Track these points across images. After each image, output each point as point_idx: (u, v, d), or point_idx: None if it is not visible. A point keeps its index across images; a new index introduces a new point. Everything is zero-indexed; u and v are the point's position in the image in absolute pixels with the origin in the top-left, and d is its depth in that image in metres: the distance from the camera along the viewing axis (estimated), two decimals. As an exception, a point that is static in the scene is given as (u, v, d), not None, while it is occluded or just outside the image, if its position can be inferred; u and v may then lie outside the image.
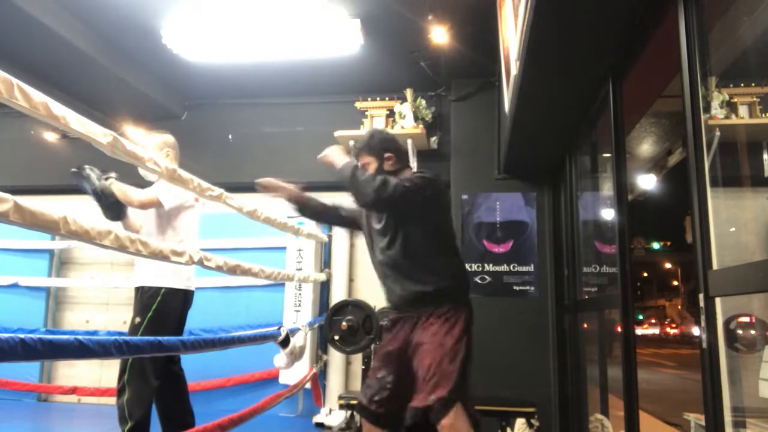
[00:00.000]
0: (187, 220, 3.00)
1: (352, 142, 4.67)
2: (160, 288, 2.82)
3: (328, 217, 2.72)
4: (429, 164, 4.71)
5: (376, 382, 2.22)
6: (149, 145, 3.04)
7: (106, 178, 2.79)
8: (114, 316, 5.19)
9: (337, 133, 4.65)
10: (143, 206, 2.83)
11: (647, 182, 6.02)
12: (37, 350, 1.30)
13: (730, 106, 3.20)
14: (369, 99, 4.84)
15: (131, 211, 2.90)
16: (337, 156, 2.27)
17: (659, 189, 6.79)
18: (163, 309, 2.80)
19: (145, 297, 2.82)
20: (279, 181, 2.58)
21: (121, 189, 2.78)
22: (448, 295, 2.18)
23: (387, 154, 2.34)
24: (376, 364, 2.30)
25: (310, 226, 4.39)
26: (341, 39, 3.94)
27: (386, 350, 2.27)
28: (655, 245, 25.02)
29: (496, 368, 3.88)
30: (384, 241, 2.28)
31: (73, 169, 2.71)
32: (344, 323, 3.52)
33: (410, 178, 2.17)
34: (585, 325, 3.61)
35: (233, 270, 2.63)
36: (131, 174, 3.28)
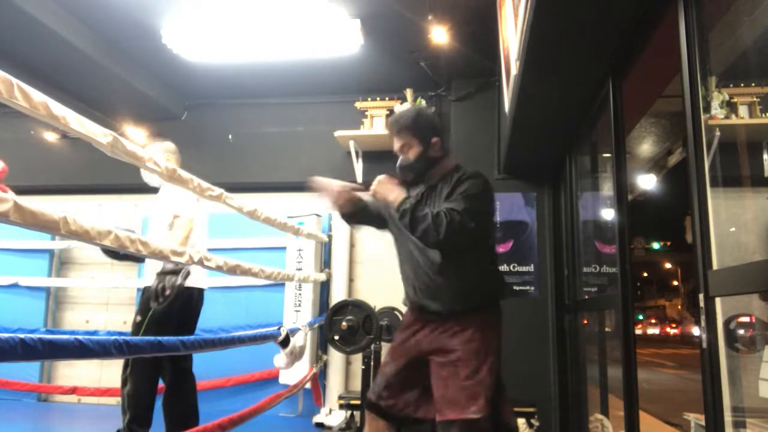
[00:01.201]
0: (197, 221, 3.03)
1: (351, 142, 4.68)
2: None
3: (380, 224, 2.40)
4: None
5: (383, 377, 2.16)
6: (151, 154, 3.04)
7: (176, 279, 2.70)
8: (114, 316, 5.18)
9: (337, 133, 4.65)
10: (188, 239, 2.84)
11: (647, 182, 6.02)
12: (37, 350, 1.30)
13: (730, 106, 3.20)
14: (369, 99, 4.84)
15: None
16: (389, 190, 2.07)
17: (659, 189, 6.79)
18: (165, 309, 2.79)
19: (147, 296, 2.83)
20: (332, 182, 2.32)
21: (160, 249, 2.73)
22: (477, 306, 2.06)
23: (434, 139, 2.13)
24: (386, 360, 2.21)
25: (310, 225, 4.39)
26: (341, 39, 3.94)
27: (400, 346, 2.17)
28: (655, 245, 25.01)
29: (496, 368, 3.88)
30: (418, 250, 2.12)
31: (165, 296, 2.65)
32: (344, 323, 3.52)
33: (469, 207, 1.95)
34: (585, 321, 3.61)
35: (233, 270, 2.63)
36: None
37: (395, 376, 2.13)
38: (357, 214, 2.35)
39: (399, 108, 4.63)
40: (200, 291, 3.06)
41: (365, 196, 2.28)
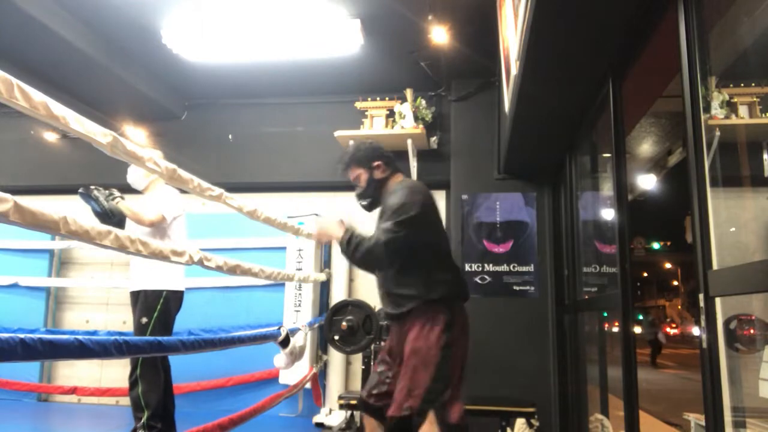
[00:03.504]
0: (178, 227, 3.21)
1: (351, 142, 4.67)
2: (162, 290, 3.07)
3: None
4: (429, 164, 4.72)
5: (376, 377, 2.30)
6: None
7: (113, 198, 2.89)
8: (114, 316, 5.19)
9: (337, 133, 4.65)
10: (152, 225, 3.04)
11: (647, 182, 6.02)
12: (37, 350, 1.30)
13: (730, 106, 3.20)
14: (369, 99, 4.84)
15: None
16: (328, 231, 2.30)
17: (659, 189, 6.78)
18: (166, 309, 3.06)
19: (149, 299, 3.04)
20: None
21: (129, 208, 2.98)
22: (424, 304, 2.18)
23: (375, 163, 2.37)
24: (377, 360, 2.37)
25: (310, 225, 4.39)
26: (341, 39, 3.94)
27: (386, 347, 2.35)
28: (655, 245, 24.98)
29: (496, 368, 3.88)
30: None
31: (80, 191, 2.83)
32: (344, 323, 3.51)
33: (391, 226, 2.14)
34: (586, 325, 3.61)
35: (233, 270, 2.63)
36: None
37: (382, 375, 2.29)
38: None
39: (399, 108, 4.64)
40: (183, 293, 3.27)
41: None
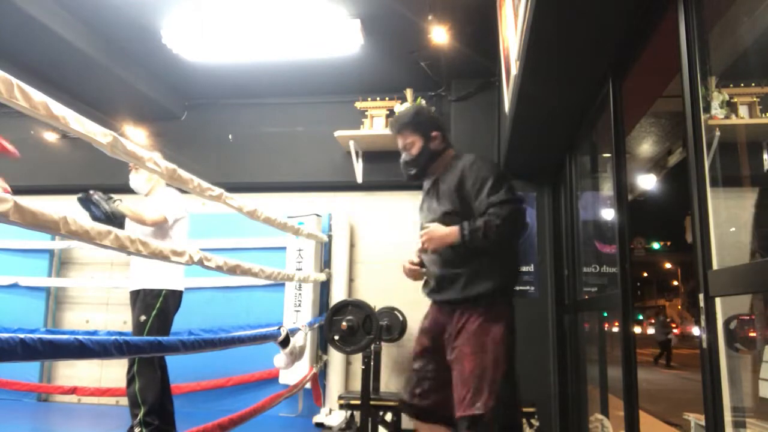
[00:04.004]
0: (180, 229, 3.24)
1: (351, 142, 4.68)
2: (162, 290, 3.10)
3: None
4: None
5: (415, 375, 2.15)
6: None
7: (113, 201, 2.95)
8: (114, 316, 5.19)
9: (337, 133, 4.65)
10: (155, 224, 3.08)
11: (647, 182, 6.02)
12: (37, 350, 1.30)
13: (730, 106, 3.20)
14: (369, 99, 4.84)
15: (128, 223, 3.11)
16: (442, 238, 2.06)
17: (659, 189, 6.78)
18: (165, 308, 3.09)
19: (148, 298, 3.08)
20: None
21: (130, 209, 3.01)
22: (489, 295, 2.04)
23: (434, 133, 2.23)
24: (413, 355, 2.21)
25: (310, 225, 4.39)
26: (341, 39, 3.94)
27: (422, 342, 2.18)
28: (655, 245, 24.99)
29: (496, 368, 3.88)
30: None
31: (80, 196, 2.85)
32: (344, 323, 3.51)
33: (504, 195, 1.99)
34: (586, 324, 3.61)
35: (233, 270, 2.63)
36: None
37: (422, 371, 2.14)
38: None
39: (399, 108, 4.64)
40: (182, 293, 3.31)
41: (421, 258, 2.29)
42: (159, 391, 3.03)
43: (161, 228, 3.13)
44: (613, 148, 2.42)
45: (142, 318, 3.05)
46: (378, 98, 4.83)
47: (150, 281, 3.11)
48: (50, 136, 5.41)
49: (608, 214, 3.20)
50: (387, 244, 4.77)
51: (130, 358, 3.04)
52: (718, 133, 2.55)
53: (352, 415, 3.83)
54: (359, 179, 4.82)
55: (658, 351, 13.62)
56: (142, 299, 3.09)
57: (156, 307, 3.06)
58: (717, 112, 3.11)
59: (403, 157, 2.27)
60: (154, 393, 3.00)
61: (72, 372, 5.17)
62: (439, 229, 2.06)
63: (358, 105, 4.84)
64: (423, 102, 4.62)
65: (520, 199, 2.04)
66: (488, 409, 1.89)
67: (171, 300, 3.14)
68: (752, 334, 2.46)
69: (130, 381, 3.03)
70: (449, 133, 2.32)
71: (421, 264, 2.27)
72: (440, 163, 2.24)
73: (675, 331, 19.52)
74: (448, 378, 2.06)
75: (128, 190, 3.30)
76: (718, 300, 1.49)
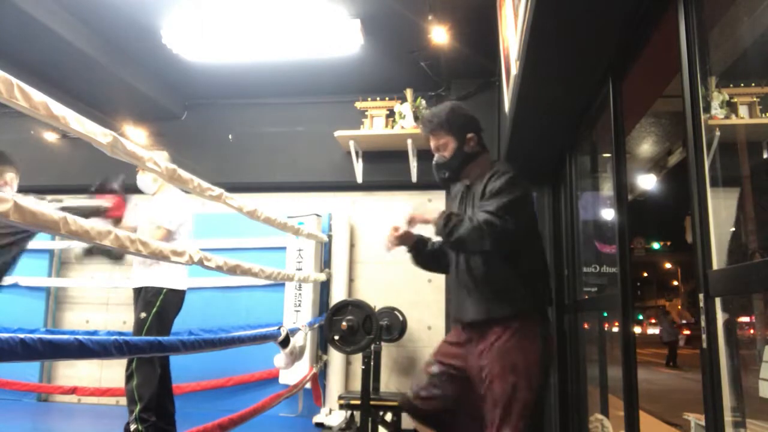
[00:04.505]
0: (184, 231, 3.27)
1: (351, 142, 4.68)
2: (162, 288, 3.13)
3: (440, 266, 2.29)
4: (429, 164, 4.70)
5: (426, 378, 2.09)
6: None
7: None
8: (114, 316, 5.19)
9: (337, 133, 4.65)
10: (165, 240, 3.08)
11: (647, 182, 6.02)
12: (37, 350, 1.30)
13: (730, 106, 3.20)
14: (369, 99, 4.84)
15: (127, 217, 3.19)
16: (428, 212, 2.01)
17: (659, 189, 6.78)
18: (165, 306, 3.13)
19: (148, 295, 3.11)
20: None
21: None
22: (516, 314, 1.95)
23: (469, 135, 2.10)
24: (431, 360, 2.14)
25: (310, 225, 4.39)
26: (341, 39, 3.94)
27: (445, 350, 2.12)
28: (655, 245, 25.00)
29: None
30: (460, 264, 2.09)
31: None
32: (344, 323, 3.51)
33: (497, 210, 1.87)
34: (585, 325, 3.61)
35: (233, 270, 2.63)
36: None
37: (435, 378, 2.08)
38: (424, 255, 2.26)
39: (399, 108, 4.64)
40: (185, 293, 3.33)
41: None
42: (156, 389, 3.05)
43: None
44: (613, 148, 2.42)
45: (143, 315, 3.08)
46: (378, 98, 4.83)
47: (151, 279, 3.14)
48: (50, 136, 5.41)
49: (608, 214, 3.20)
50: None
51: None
52: (718, 133, 2.55)
53: (352, 415, 3.83)
54: (359, 179, 4.82)
55: (656, 350, 13.64)
56: (143, 297, 3.13)
57: (156, 305, 3.10)
58: (717, 112, 3.11)
59: (436, 158, 2.15)
60: (151, 390, 3.02)
61: (72, 372, 5.17)
62: (428, 210, 2.02)
63: (358, 105, 4.84)
64: (423, 102, 4.62)
65: (513, 223, 1.87)
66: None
67: (172, 299, 3.17)
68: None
69: (129, 377, 3.06)
70: (482, 136, 2.17)
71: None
72: (474, 167, 2.13)
73: (686, 332, 19.51)
74: (456, 391, 2.02)
75: (130, 190, 3.30)
76: (718, 300, 1.49)
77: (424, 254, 2.26)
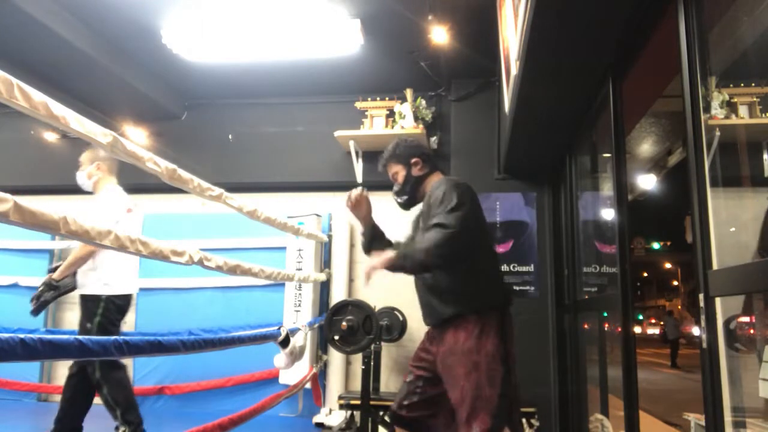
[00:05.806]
0: (127, 227, 3.12)
1: (351, 142, 4.68)
2: (101, 295, 3.02)
3: None
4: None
5: (406, 387, 2.22)
6: (83, 160, 3.24)
7: (51, 283, 2.96)
8: (114, 316, 5.18)
9: (337, 133, 4.65)
10: (92, 253, 2.98)
11: (647, 182, 6.02)
12: (37, 350, 1.30)
13: (730, 106, 3.20)
14: (369, 99, 4.84)
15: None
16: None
17: (659, 189, 6.78)
18: (107, 315, 3.03)
19: (89, 304, 3.03)
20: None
21: (66, 266, 2.97)
22: (474, 311, 2.05)
23: (413, 160, 2.33)
24: (409, 369, 2.28)
25: (310, 225, 4.39)
26: (341, 39, 3.94)
27: (418, 356, 2.26)
28: (655, 245, 25.00)
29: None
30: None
31: (34, 305, 2.93)
32: (344, 323, 3.51)
33: (442, 219, 1.98)
34: (585, 326, 3.61)
35: (233, 270, 2.63)
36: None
37: (412, 384, 2.20)
38: (378, 243, 2.44)
39: (399, 108, 4.64)
40: (131, 296, 3.24)
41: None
42: (130, 389, 3.04)
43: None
44: (613, 148, 2.43)
45: (88, 326, 2.99)
46: (378, 98, 4.83)
47: (90, 287, 3.03)
48: (50, 136, 5.41)
49: (608, 214, 3.20)
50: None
51: (89, 367, 3.02)
52: (718, 133, 2.55)
53: (352, 415, 3.83)
54: (359, 179, 4.82)
55: (656, 350, 13.65)
56: (83, 305, 3.04)
57: (98, 314, 2.99)
58: (717, 112, 3.11)
59: (394, 187, 2.39)
60: (124, 392, 3.00)
61: (72, 372, 5.16)
62: (374, 260, 2.11)
63: (358, 105, 4.84)
64: (423, 102, 4.62)
65: (464, 226, 1.97)
66: (485, 430, 1.90)
67: (113, 305, 3.04)
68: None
69: (98, 387, 3.03)
70: (430, 158, 2.37)
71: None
72: (426, 187, 2.31)
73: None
74: (436, 395, 2.14)
75: (129, 190, 3.29)
76: (718, 300, 1.49)
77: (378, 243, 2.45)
